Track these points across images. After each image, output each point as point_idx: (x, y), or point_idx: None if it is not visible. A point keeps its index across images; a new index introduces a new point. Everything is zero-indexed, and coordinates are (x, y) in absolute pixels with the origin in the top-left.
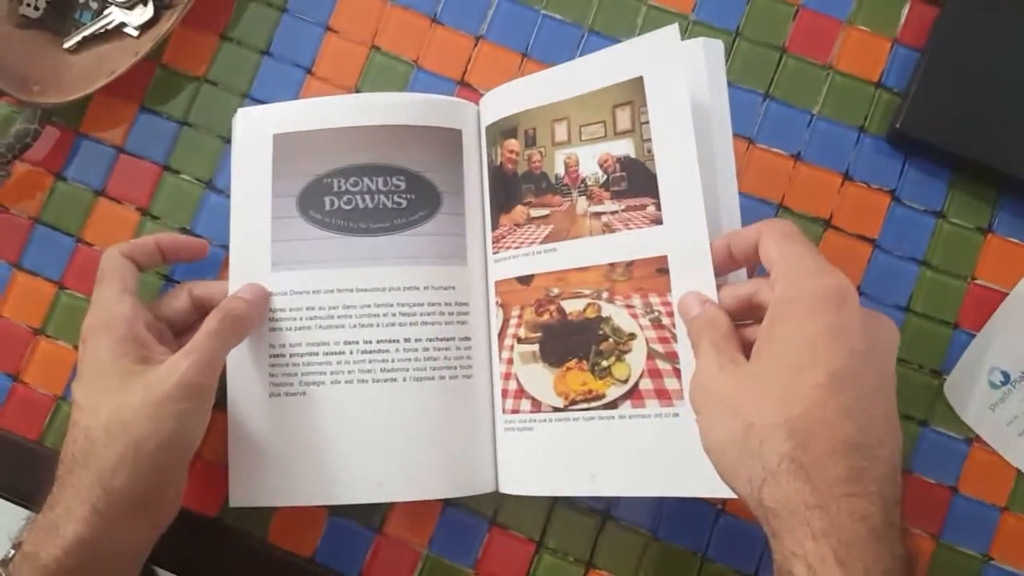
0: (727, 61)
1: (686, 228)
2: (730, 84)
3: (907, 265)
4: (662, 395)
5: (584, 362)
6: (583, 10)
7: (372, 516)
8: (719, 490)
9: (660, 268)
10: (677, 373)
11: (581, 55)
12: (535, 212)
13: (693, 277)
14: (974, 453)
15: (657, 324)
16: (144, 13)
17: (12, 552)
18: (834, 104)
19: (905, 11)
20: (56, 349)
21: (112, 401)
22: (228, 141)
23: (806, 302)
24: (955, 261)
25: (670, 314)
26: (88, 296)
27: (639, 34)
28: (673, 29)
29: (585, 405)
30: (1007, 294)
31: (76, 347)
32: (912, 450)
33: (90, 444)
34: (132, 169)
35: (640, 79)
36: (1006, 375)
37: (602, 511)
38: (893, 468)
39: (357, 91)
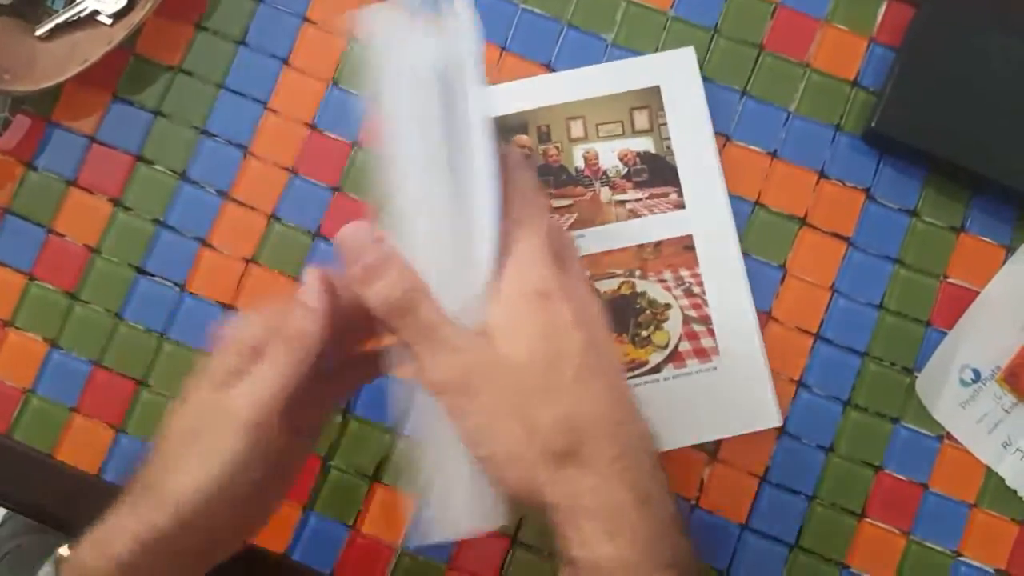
0: (705, 56)
1: (709, 210)
2: (708, 81)
3: (881, 263)
4: (700, 353)
5: (624, 335)
6: (562, 5)
7: (347, 513)
8: (755, 423)
9: (687, 246)
10: (711, 333)
11: (560, 50)
12: (557, 202)
13: (719, 251)
14: (945, 450)
15: (689, 293)
16: (118, 1)
17: (67, 552)
18: (810, 102)
19: (882, 11)
20: (25, 341)
21: (198, 400)
22: (203, 132)
23: (537, 294)
24: (928, 260)
25: (700, 284)
26: (58, 288)
27: (618, 30)
28: (690, 51)
29: (630, 374)
30: (979, 293)
31: (46, 339)
32: (884, 447)
33: (163, 450)
34: (104, 159)
35: (657, 88)
36: (977, 373)
37: None
38: (639, 441)
39: (334, 83)
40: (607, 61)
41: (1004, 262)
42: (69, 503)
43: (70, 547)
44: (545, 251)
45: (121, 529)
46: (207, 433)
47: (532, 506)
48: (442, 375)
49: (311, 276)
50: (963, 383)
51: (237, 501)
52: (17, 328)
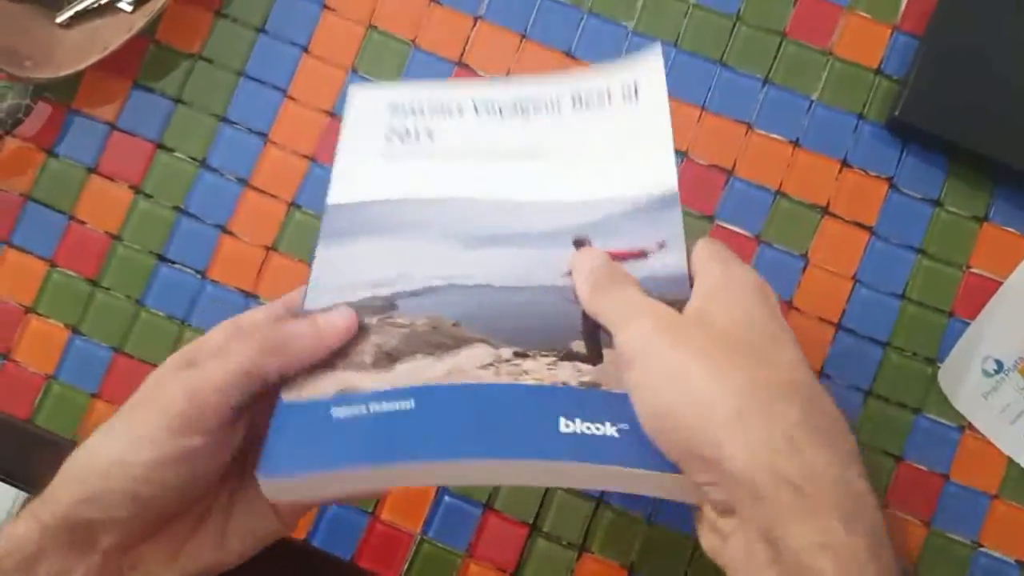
0: (727, 44)
1: None
2: (730, 68)
3: (903, 253)
4: None
5: None
6: None
7: (366, 500)
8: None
9: None
10: None
11: (580, 37)
12: None
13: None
14: (966, 441)
15: None
16: None
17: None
18: (833, 90)
19: None
20: (47, 327)
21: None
22: (223, 120)
23: (748, 288)
24: (951, 250)
25: None
26: (79, 275)
27: (639, 17)
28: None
29: None
30: (1002, 283)
31: (67, 325)
32: (905, 437)
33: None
34: (125, 146)
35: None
36: (999, 363)
37: (596, 495)
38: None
39: (354, 71)
40: (627, 50)
41: None
42: None
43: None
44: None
45: (26, 511)
46: (131, 422)
47: (761, 479)
48: (637, 339)
49: (345, 313)
50: (985, 374)
51: (152, 494)
52: (39, 315)
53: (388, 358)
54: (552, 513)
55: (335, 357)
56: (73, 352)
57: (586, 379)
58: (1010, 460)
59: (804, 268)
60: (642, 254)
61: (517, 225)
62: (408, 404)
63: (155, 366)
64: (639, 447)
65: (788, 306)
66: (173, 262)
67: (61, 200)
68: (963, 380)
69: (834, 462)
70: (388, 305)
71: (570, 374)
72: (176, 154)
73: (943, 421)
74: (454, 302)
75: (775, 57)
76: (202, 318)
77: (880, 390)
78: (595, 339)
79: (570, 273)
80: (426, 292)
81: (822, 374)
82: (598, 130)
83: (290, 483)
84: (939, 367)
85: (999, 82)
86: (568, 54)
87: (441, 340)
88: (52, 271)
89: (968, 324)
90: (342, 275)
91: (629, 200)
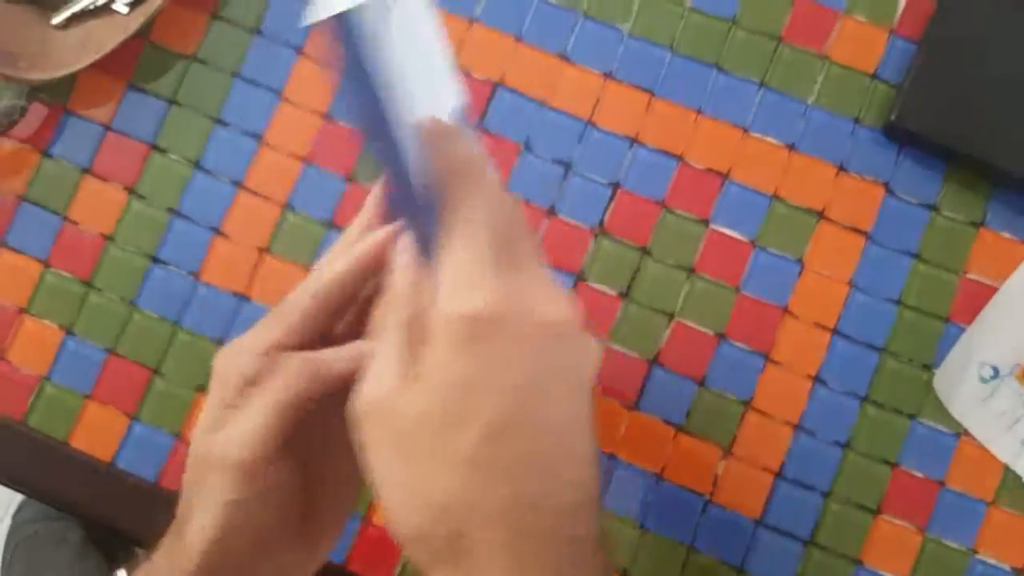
0: (723, 48)
1: None
2: (726, 72)
3: (900, 258)
4: None
5: None
6: None
7: (359, 503)
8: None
9: None
10: None
11: (575, 40)
12: None
13: None
14: (962, 447)
15: None
16: None
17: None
18: (830, 95)
19: (902, 2)
20: (41, 328)
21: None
22: (218, 121)
23: (465, 330)
24: (947, 255)
25: None
26: (73, 276)
27: (634, 20)
28: None
29: None
30: (998, 288)
31: (61, 326)
32: (901, 444)
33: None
34: (119, 147)
35: None
36: (995, 369)
37: None
38: (574, 502)
39: None
40: (623, 53)
41: None
42: (84, 490)
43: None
44: (486, 253)
45: (167, 571)
46: (205, 481)
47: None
48: (357, 402)
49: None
50: (982, 380)
51: (257, 537)
52: (33, 315)
53: None
54: None
55: None
56: (66, 353)
57: None
58: (1006, 467)
59: (800, 273)
60: None
61: None
62: None
63: (149, 368)
64: None
65: (784, 311)
66: (166, 263)
67: (55, 201)
68: (959, 386)
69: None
70: None
71: None
72: (170, 155)
73: (939, 427)
74: None
75: (771, 61)
76: (195, 320)
77: (876, 396)
78: None
79: None
80: None
81: (818, 380)
82: None
83: None
84: (935, 373)
85: (996, 87)
86: (563, 56)
87: None
88: (46, 272)
89: (964, 330)
90: None
91: None
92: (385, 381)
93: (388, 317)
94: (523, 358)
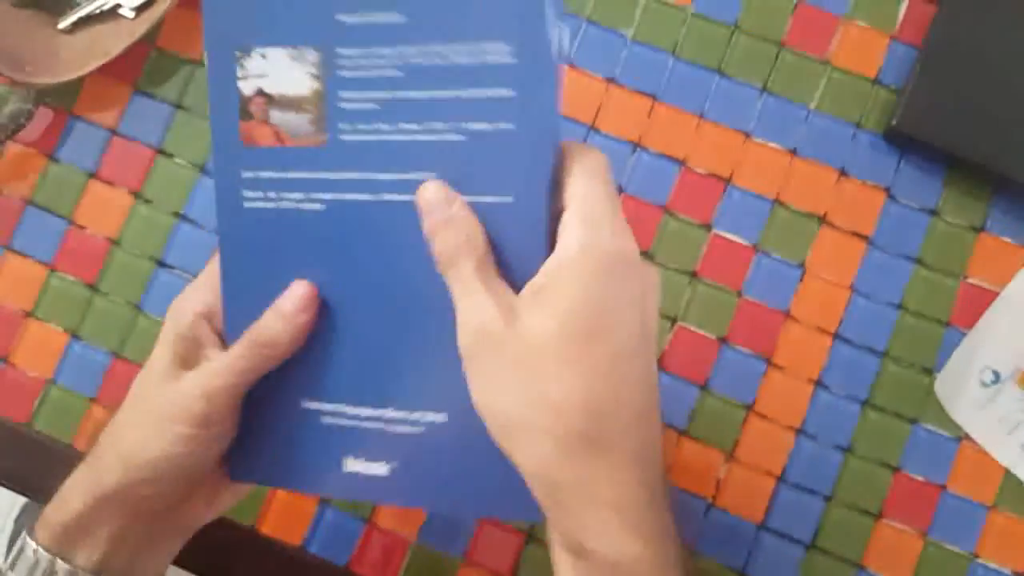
0: (725, 53)
1: None
2: (728, 77)
3: (901, 263)
4: None
5: None
6: (581, 1)
7: (363, 506)
8: None
9: None
10: None
11: (579, 46)
12: None
13: None
14: (963, 451)
15: None
16: None
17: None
18: (831, 100)
19: (903, 8)
20: (46, 332)
21: (133, 396)
22: None
23: (603, 260)
24: (948, 259)
25: None
26: (78, 280)
27: (637, 26)
28: None
29: None
30: (999, 293)
31: (66, 330)
32: (902, 448)
33: (103, 434)
34: (125, 152)
35: None
36: (997, 374)
37: None
38: (657, 434)
39: None
40: (626, 58)
41: None
42: None
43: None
44: (612, 199)
45: (78, 484)
46: (159, 412)
47: (543, 486)
48: (462, 337)
49: (301, 287)
50: (983, 384)
51: (185, 474)
52: (38, 319)
53: None
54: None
55: None
56: (72, 357)
57: None
58: (1007, 471)
59: (801, 278)
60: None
61: None
62: None
63: None
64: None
65: (786, 316)
66: (172, 267)
67: (61, 205)
68: (960, 390)
69: (599, 466)
70: None
71: None
72: (176, 160)
73: (940, 431)
74: None
75: (773, 66)
76: None
77: (877, 400)
78: None
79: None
80: None
81: (819, 384)
82: None
83: None
84: (936, 377)
85: (997, 92)
86: (567, 63)
87: None
88: (51, 276)
89: (965, 334)
90: None
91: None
92: (488, 314)
93: (458, 261)
94: (636, 290)
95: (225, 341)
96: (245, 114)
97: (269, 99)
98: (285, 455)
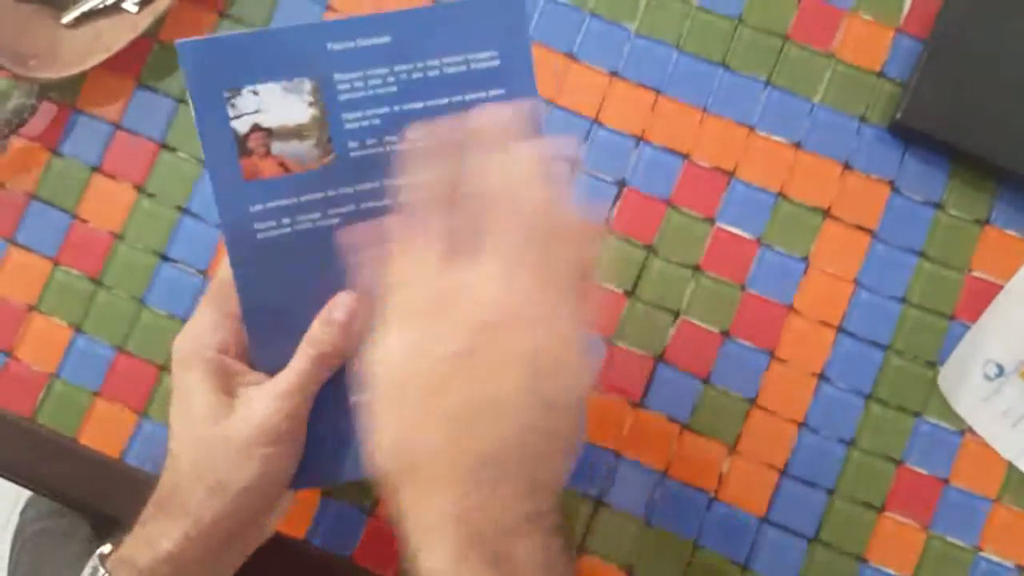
0: (729, 46)
1: None
2: (732, 71)
3: (905, 256)
4: None
5: None
6: None
7: (365, 497)
8: None
9: None
10: None
11: (582, 39)
12: None
13: None
14: (967, 445)
15: None
16: None
17: (107, 550)
18: (835, 93)
19: (908, 1)
20: (50, 326)
21: (196, 437)
22: None
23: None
24: (952, 253)
25: None
26: (82, 273)
27: (641, 19)
28: None
29: None
30: (1003, 286)
31: (70, 324)
32: (905, 441)
33: (177, 478)
34: (129, 146)
35: None
36: (1000, 367)
37: (595, 497)
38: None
39: None
40: (629, 52)
41: None
42: (92, 487)
43: (112, 546)
44: (436, 244)
45: (164, 528)
46: (238, 440)
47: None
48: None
49: (346, 297)
50: (986, 377)
51: (272, 493)
52: (42, 313)
53: None
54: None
55: None
56: (75, 351)
57: None
58: (1011, 464)
59: (805, 271)
60: None
61: None
62: None
63: (157, 365)
64: None
65: (789, 309)
66: (175, 261)
67: (65, 199)
68: (964, 384)
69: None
70: None
71: None
72: (179, 154)
73: (944, 425)
74: None
75: (777, 60)
76: None
77: (881, 394)
78: None
79: None
80: None
81: (822, 378)
82: None
83: None
84: (940, 371)
85: (1002, 85)
86: (570, 55)
87: None
88: (55, 270)
89: (969, 327)
90: None
91: None
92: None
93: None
94: (475, 319)
95: (254, 365)
96: (244, 151)
97: (268, 132)
98: (340, 452)
